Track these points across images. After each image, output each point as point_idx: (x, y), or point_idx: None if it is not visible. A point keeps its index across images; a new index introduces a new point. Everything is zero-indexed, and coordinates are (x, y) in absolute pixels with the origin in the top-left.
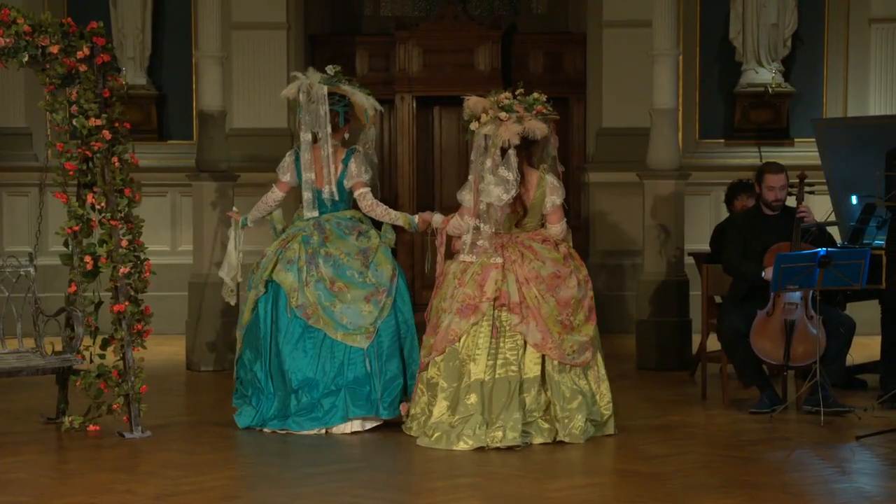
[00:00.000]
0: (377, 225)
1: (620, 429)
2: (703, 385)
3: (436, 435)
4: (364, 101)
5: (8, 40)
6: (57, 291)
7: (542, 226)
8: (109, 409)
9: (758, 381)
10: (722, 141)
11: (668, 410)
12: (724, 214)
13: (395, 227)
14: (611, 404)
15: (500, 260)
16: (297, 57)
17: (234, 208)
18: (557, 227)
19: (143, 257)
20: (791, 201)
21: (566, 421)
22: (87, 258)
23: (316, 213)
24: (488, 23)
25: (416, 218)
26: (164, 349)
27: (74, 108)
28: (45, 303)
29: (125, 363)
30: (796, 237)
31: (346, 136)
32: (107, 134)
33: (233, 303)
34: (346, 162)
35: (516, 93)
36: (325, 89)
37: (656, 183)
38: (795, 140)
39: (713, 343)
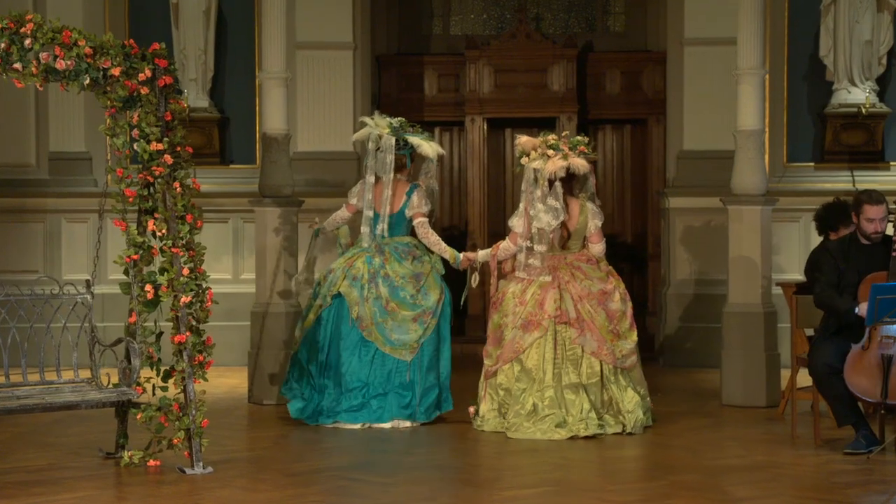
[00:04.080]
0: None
1: (703, 469)
2: (793, 423)
3: (527, 428)
4: (429, 151)
5: (69, 62)
6: (117, 321)
7: (584, 246)
8: (170, 443)
9: (853, 419)
10: (811, 164)
11: (755, 450)
12: (815, 241)
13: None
14: (647, 399)
15: (549, 278)
16: (363, 78)
17: (317, 218)
18: (599, 246)
19: (204, 286)
20: (890, 229)
21: (628, 415)
22: (148, 287)
23: (366, 245)
24: (563, 41)
25: (461, 256)
26: (225, 381)
27: (136, 131)
28: (105, 332)
29: (186, 396)
30: (893, 267)
31: (411, 172)
32: (168, 158)
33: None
34: (409, 194)
35: (563, 135)
36: (394, 140)
37: (741, 209)
38: (891, 163)
39: (804, 378)
